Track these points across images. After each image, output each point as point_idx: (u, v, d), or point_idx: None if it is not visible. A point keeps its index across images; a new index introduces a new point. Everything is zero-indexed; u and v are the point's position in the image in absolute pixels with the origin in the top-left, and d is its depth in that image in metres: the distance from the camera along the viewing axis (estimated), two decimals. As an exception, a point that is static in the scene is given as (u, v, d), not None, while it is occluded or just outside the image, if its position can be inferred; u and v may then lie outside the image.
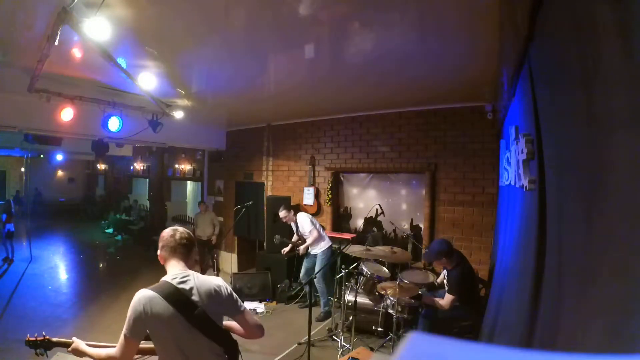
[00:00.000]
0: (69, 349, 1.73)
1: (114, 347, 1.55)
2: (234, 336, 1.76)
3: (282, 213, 4.70)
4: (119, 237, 10.92)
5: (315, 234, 4.60)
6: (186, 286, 1.57)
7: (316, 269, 4.46)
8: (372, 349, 3.47)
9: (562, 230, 1.05)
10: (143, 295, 1.52)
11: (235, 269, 6.60)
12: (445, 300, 3.23)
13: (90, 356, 1.66)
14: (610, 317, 0.67)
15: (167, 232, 1.71)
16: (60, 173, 17.45)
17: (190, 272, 1.65)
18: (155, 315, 1.49)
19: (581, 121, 0.88)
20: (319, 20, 2.34)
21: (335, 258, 4.44)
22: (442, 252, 3.20)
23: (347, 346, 3.60)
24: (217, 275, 4.61)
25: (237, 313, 1.68)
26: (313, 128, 5.97)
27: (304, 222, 4.67)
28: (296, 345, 3.92)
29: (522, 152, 1.52)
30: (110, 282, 6.47)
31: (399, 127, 5.03)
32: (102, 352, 1.60)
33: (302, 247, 4.76)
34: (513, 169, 1.94)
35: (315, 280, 4.35)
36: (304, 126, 6.07)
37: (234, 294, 1.70)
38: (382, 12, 2.19)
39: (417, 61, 3.04)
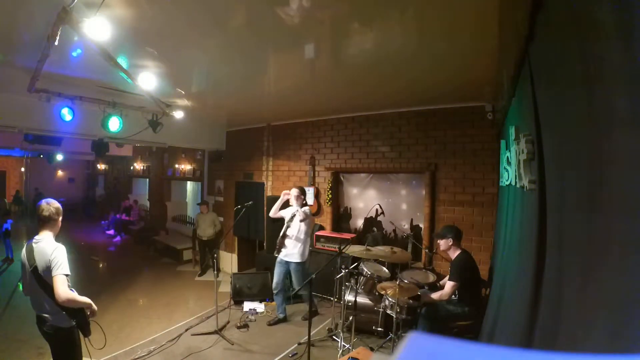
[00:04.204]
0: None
1: None
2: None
3: (294, 191, 4.43)
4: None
5: (303, 234, 4.39)
6: (36, 247, 2.21)
7: (296, 284, 4.45)
8: (372, 349, 3.47)
9: (562, 230, 1.05)
10: (25, 245, 2.25)
11: (235, 269, 6.60)
12: (446, 288, 3.25)
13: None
14: (610, 317, 0.67)
15: (45, 206, 2.30)
16: (60, 173, 17.44)
17: (44, 237, 2.24)
18: (22, 259, 2.25)
19: (581, 121, 0.88)
20: (320, 20, 2.34)
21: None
22: (451, 229, 3.46)
23: (347, 346, 3.60)
24: (217, 275, 4.59)
25: (51, 276, 2.15)
26: (313, 128, 5.97)
27: (308, 216, 4.38)
28: (296, 345, 3.93)
29: (522, 152, 1.52)
30: (110, 282, 6.46)
31: (399, 127, 5.03)
32: None
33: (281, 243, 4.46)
34: (513, 169, 1.94)
35: (298, 289, 4.22)
36: (304, 126, 6.08)
37: (56, 261, 2.15)
38: (383, 12, 2.19)
39: (417, 61, 3.04)
